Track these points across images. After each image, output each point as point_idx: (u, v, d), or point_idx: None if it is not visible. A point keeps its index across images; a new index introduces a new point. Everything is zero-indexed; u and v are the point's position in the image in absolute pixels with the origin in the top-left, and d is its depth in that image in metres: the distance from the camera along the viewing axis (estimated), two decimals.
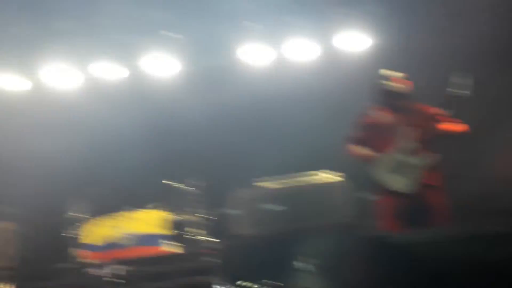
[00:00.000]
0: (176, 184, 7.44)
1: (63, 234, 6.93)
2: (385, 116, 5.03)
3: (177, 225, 7.25)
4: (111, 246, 6.82)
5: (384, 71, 5.16)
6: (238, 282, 6.18)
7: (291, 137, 7.59)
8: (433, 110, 5.08)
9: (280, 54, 7.95)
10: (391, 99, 5.03)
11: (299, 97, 7.64)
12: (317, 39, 7.98)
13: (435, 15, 7.56)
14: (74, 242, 6.87)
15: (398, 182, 4.86)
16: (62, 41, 7.42)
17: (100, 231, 6.91)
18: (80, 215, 6.99)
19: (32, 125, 8.07)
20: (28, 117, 8.11)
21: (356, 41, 7.99)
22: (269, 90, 7.68)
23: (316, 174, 7.02)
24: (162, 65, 8.16)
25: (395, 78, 5.09)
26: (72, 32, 7.35)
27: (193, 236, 7.25)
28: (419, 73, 5.68)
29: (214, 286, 6.20)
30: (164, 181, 7.41)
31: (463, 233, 3.42)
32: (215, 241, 7.23)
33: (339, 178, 6.94)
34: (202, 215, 7.32)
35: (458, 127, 4.97)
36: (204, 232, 7.31)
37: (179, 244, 7.21)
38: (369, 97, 5.14)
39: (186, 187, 7.43)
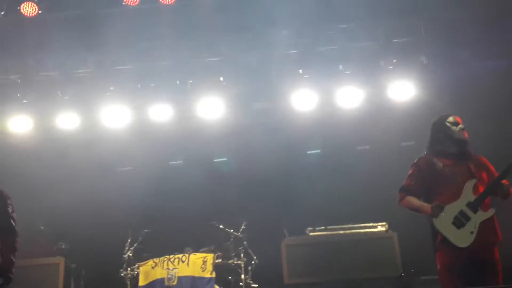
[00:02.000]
0: (223, 227, 7.47)
1: (120, 274, 7.00)
2: (446, 165, 4.76)
3: (223, 268, 7.26)
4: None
5: (448, 117, 4.89)
6: None
7: (345, 186, 7.54)
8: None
9: (330, 101, 8.00)
10: (455, 146, 4.82)
11: (352, 145, 7.63)
12: (366, 88, 8.02)
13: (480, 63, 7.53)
14: (128, 282, 6.93)
15: (458, 236, 4.61)
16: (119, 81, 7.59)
17: (150, 272, 6.92)
18: (134, 256, 7.08)
19: (85, 164, 8.12)
20: (79, 155, 8.13)
21: (403, 89, 8.05)
22: (321, 137, 7.69)
23: (373, 226, 6.98)
24: (210, 108, 8.29)
25: (460, 125, 4.85)
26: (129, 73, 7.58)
27: (239, 281, 7.23)
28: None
29: None
30: (211, 224, 7.46)
31: None
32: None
33: (390, 231, 6.90)
34: (248, 260, 7.32)
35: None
36: (249, 277, 7.27)
37: None
38: (427, 144, 4.92)
39: (232, 231, 7.45)
